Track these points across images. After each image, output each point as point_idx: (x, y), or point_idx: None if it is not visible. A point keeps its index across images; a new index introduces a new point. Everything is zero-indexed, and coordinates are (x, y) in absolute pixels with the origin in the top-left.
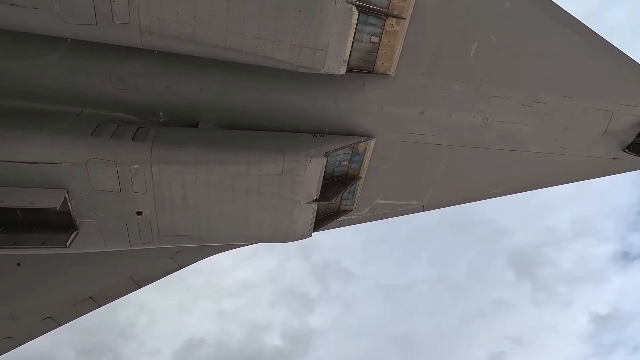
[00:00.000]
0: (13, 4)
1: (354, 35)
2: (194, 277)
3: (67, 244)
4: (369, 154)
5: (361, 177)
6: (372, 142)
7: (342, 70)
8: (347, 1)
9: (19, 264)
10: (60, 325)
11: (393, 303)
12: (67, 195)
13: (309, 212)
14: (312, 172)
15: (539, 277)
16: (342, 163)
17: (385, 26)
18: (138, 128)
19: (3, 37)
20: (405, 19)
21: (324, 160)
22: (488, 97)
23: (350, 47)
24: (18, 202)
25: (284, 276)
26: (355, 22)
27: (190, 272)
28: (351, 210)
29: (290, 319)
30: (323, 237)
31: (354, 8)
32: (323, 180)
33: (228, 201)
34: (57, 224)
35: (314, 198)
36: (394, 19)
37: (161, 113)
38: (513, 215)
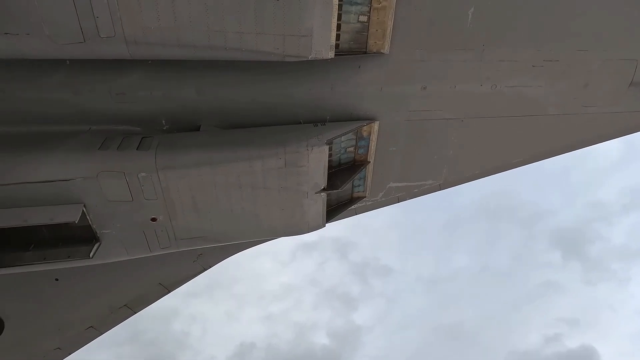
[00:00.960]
0: (7, 33)
1: (340, 17)
2: (238, 284)
3: (91, 255)
4: (374, 137)
5: (370, 162)
6: (375, 125)
7: (331, 54)
8: None
9: (57, 279)
10: (101, 333)
11: (436, 295)
12: (84, 209)
13: (319, 202)
14: (315, 161)
15: (588, 255)
16: (348, 149)
17: (372, 3)
18: (142, 138)
19: (6, 66)
20: None
21: (326, 148)
22: (493, 63)
23: (336, 29)
24: (40, 219)
25: (324, 277)
26: (337, 3)
27: (234, 280)
28: (365, 197)
29: (335, 318)
30: (359, 236)
31: None
32: (331, 169)
33: (236, 199)
34: (81, 238)
35: (322, 187)
36: None
37: (163, 121)
38: (553, 194)
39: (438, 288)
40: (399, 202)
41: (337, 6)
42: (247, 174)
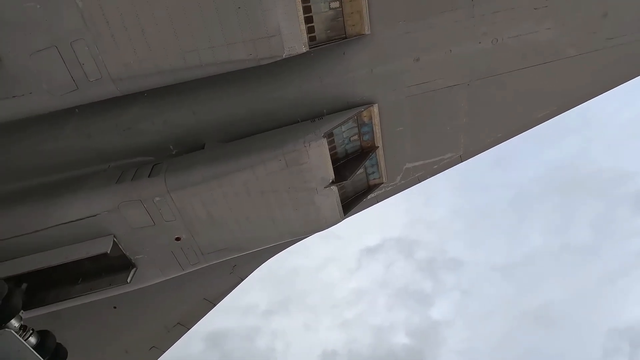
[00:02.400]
0: (14, 96)
1: (310, 9)
2: (310, 296)
3: (128, 280)
4: (376, 120)
5: (378, 147)
6: (374, 108)
7: (305, 47)
8: None
9: (115, 307)
10: (163, 352)
11: (515, 281)
12: (115, 239)
13: (332, 196)
14: (316, 156)
15: None
16: (352, 138)
17: None
18: (154, 165)
19: (23, 125)
20: None
21: (324, 140)
22: (487, 16)
23: (309, 22)
24: (78, 255)
25: (394, 278)
26: None
27: (305, 292)
28: (382, 183)
29: (412, 317)
30: (421, 232)
31: None
32: (339, 161)
33: (249, 207)
34: (120, 266)
35: (330, 181)
36: None
37: (171, 146)
38: (631, 155)
39: (515, 274)
40: (419, 182)
41: (300, 1)
42: (253, 181)
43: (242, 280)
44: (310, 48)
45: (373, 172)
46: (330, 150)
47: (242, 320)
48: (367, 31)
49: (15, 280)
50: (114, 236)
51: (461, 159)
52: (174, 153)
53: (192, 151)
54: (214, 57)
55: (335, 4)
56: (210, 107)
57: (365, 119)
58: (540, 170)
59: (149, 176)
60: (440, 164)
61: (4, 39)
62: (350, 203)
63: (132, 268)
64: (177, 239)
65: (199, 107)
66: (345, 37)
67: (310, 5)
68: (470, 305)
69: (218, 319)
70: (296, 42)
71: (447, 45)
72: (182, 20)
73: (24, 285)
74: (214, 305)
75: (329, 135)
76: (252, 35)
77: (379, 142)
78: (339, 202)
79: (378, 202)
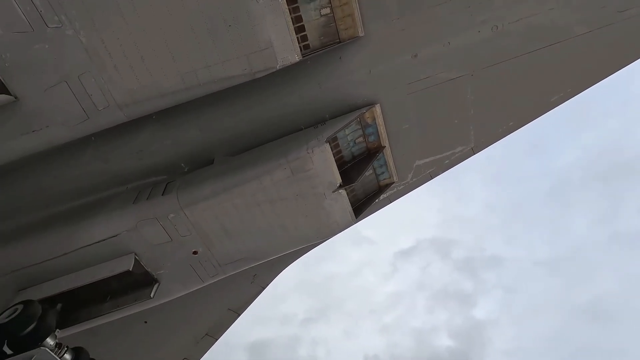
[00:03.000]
0: (34, 130)
1: (301, 18)
2: (348, 302)
3: (152, 295)
4: (380, 120)
5: (385, 146)
6: (377, 108)
7: (297, 57)
8: None
9: (146, 322)
10: None
11: (561, 275)
12: (136, 257)
13: (341, 200)
14: (320, 161)
15: None
16: (357, 140)
17: None
18: (167, 183)
19: (45, 157)
20: None
21: (326, 146)
22: (485, 3)
23: (301, 30)
24: (103, 274)
25: (431, 280)
26: (286, 8)
27: (342, 299)
28: (393, 182)
29: (453, 318)
30: (457, 231)
31: None
32: (347, 164)
33: (260, 217)
34: (144, 283)
35: (338, 185)
36: None
37: (182, 164)
38: None
39: (562, 268)
40: (432, 178)
41: (287, 11)
42: (261, 191)
43: (264, 289)
44: (304, 56)
45: (382, 173)
46: (336, 154)
47: (282, 329)
48: (360, 33)
49: (50, 302)
50: (135, 254)
51: (473, 152)
52: (186, 170)
53: (203, 167)
54: (211, 75)
55: (326, 10)
56: (216, 123)
57: (369, 120)
58: (580, 156)
59: (162, 194)
60: (451, 159)
61: (20, 80)
62: (362, 205)
63: (155, 283)
64: (195, 252)
65: (204, 124)
66: (340, 42)
67: (300, 15)
68: (515, 302)
69: (258, 329)
70: (289, 53)
71: (444, 38)
72: (177, 44)
73: (59, 306)
74: (239, 315)
75: (333, 140)
76: (245, 50)
77: (385, 142)
78: (349, 205)
79: (391, 202)
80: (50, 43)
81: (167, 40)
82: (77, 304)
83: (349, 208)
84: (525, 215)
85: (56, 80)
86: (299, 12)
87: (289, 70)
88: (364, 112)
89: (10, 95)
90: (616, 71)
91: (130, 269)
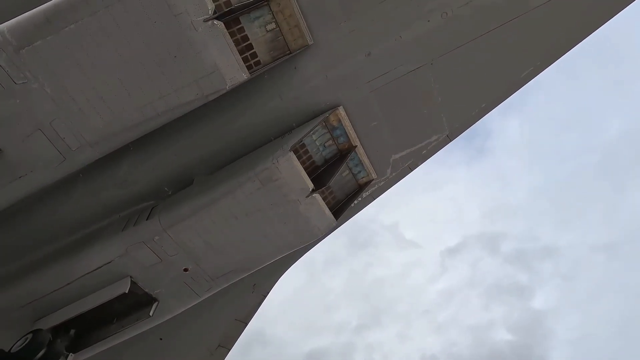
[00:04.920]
0: (20, 177)
1: (247, 37)
2: (399, 304)
3: (150, 314)
4: (346, 122)
5: (356, 146)
6: (340, 110)
7: (246, 75)
8: (204, 21)
9: (161, 339)
10: None
11: (622, 259)
12: (132, 280)
13: (315, 204)
14: (287, 170)
15: None
16: (327, 144)
17: (272, 9)
18: (152, 208)
19: (38, 200)
20: None
21: (291, 154)
22: None
23: (240, 52)
24: (104, 298)
25: (483, 276)
26: (225, 31)
27: (392, 302)
28: (372, 179)
29: (511, 312)
30: (504, 223)
31: (215, 22)
32: (320, 168)
33: (240, 229)
34: (146, 303)
35: (310, 189)
36: None
37: (166, 188)
38: None
39: (622, 251)
40: (411, 170)
41: (227, 34)
42: (236, 205)
43: (265, 296)
44: (253, 73)
45: (360, 171)
46: (306, 160)
47: (336, 338)
48: (310, 41)
49: (64, 328)
50: (131, 277)
51: (449, 138)
52: (170, 193)
53: (184, 188)
54: (167, 104)
55: (272, 26)
56: (190, 146)
57: (335, 123)
58: (627, 125)
59: (147, 219)
60: (428, 148)
61: (2, 133)
62: (344, 206)
63: (155, 302)
64: (185, 270)
65: (179, 148)
66: (290, 53)
67: (246, 34)
68: (575, 290)
69: (313, 339)
70: (236, 73)
71: (395, 32)
72: (130, 80)
73: (72, 331)
74: (246, 324)
75: (302, 147)
76: (193, 77)
77: (356, 142)
78: (326, 207)
79: (374, 199)
80: (21, 97)
81: (121, 78)
82: (89, 328)
83: (327, 211)
84: (575, 196)
85: (32, 129)
86: (245, 31)
87: (249, 87)
88: (328, 116)
89: None
90: (587, 36)
91: (127, 292)
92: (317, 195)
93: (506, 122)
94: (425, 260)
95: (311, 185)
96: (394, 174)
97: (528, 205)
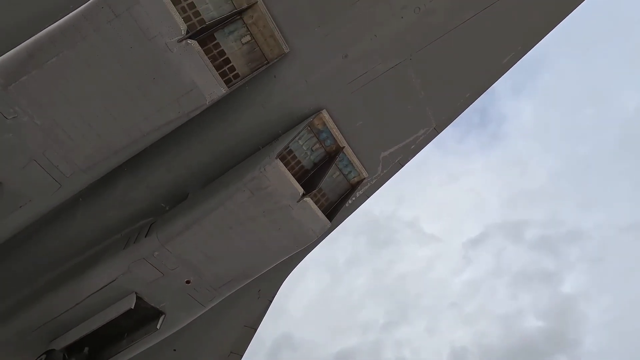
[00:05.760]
0: (21, 206)
1: (224, 52)
2: (424, 298)
3: (158, 327)
4: (330, 124)
5: (344, 147)
6: (324, 114)
7: (224, 89)
8: (178, 41)
9: (175, 350)
10: None
11: None
12: (138, 295)
13: (308, 208)
14: (275, 177)
15: None
16: (314, 148)
17: (245, 22)
18: (150, 225)
19: (44, 225)
20: (257, 1)
21: (277, 161)
22: None
23: (214, 69)
24: (112, 315)
25: (508, 264)
26: (199, 49)
27: (418, 296)
28: (364, 178)
29: (540, 299)
30: (525, 210)
31: (189, 42)
32: (309, 172)
33: (236, 238)
34: (153, 317)
35: (301, 194)
36: (248, 10)
37: (162, 204)
38: None
39: None
40: (402, 166)
41: (201, 51)
42: (228, 215)
43: (271, 301)
44: (232, 86)
45: (350, 172)
46: (295, 165)
47: (364, 337)
48: (286, 50)
49: (77, 347)
50: (136, 293)
51: (437, 131)
52: (167, 209)
53: (180, 202)
54: (151, 125)
55: (247, 38)
56: (179, 162)
57: (320, 126)
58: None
59: (146, 236)
60: (416, 143)
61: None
62: (337, 207)
63: (161, 315)
64: (188, 282)
65: (170, 165)
66: (268, 62)
67: (222, 49)
68: (606, 272)
69: (340, 340)
70: (214, 88)
71: (369, 32)
72: (113, 105)
73: (86, 349)
74: (255, 329)
75: (289, 152)
76: (173, 96)
77: (343, 143)
78: (318, 210)
79: (368, 197)
80: (13, 131)
81: (105, 104)
82: (101, 345)
83: (320, 213)
84: (598, 175)
85: (27, 160)
86: (221, 46)
87: (232, 100)
88: (312, 120)
89: None
90: (566, 16)
91: (133, 307)
92: (308, 199)
93: (519, 104)
94: (448, 253)
95: (301, 190)
96: (385, 171)
97: (549, 189)
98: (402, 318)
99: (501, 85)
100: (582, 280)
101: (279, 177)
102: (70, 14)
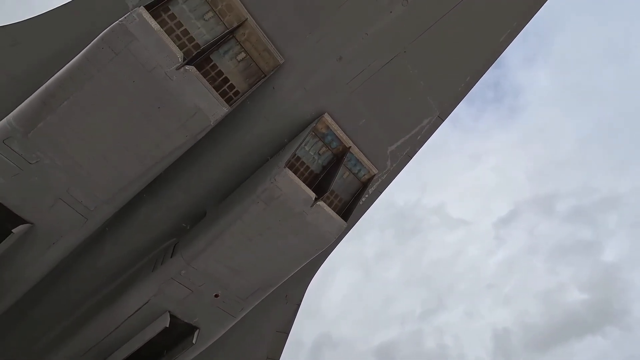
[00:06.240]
0: (54, 243)
1: (221, 73)
2: (459, 283)
3: (193, 342)
4: (334, 126)
5: (350, 147)
6: (326, 117)
7: (226, 108)
8: (177, 69)
9: None
10: None
11: None
12: (171, 314)
13: (321, 211)
14: (286, 186)
15: None
16: (321, 151)
17: (238, 38)
18: (174, 245)
19: (76, 258)
20: (246, 18)
21: (286, 170)
22: None
23: (214, 90)
24: (149, 335)
25: (542, 240)
26: (198, 73)
27: (453, 281)
28: (375, 175)
29: (580, 271)
30: (554, 183)
31: (187, 68)
32: (320, 175)
33: (256, 249)
34: (189, 332)
35: (313, 199)
36: (239, 28)
37: (183, 224)
38: None
39: None
40: (411, 157)
41: (200, 76)
42: (247, 227)
43: (299, 305)
44: (233, 104)
45: (359, 170)
46: (304, 171)
47: (403, 328)
48: (281, 61)
49: None
50: (169, 311)
51: (441, 118)
52: (188, 228)
53: (199, 220)
54: (162, 151)
55: (242, 55)
56: (194, 182)
57: (323, 130)
58: None
59: (171, 256)
60: (422, 133)
61: (29, 208)
62: (351, 206)
63: (196, 330)
64: (216, 295)
65: (185, 185)
66: (265, 76)
67: (220, 69)
68: None
69: (380, 334)
70: (217, 109)
71: (360, 31)
72: (124, 137)
73: None
74: (287, 334)
75: (297, 160)
76: (179, 121)
77: (348, 143)
78: (333, 212)
79: (381, 193)
80: (38, 174)
81: (116, 137)
82: None
83: (334, 215)
84: (628, 136)
85: (54, 200)
86: (218, 67)
87: (236, 116)
88: (315, 125)
89: (27, 222)
90: None
91: (167, 325)
92: (321, 203)
93: (534, 73)
94: (478, 235)
95: (313, 195)
96: (394, 165)
97: (577, 157)
98: (439, 305)
99: (512, 56)
100: (623, 246)
101: (289, 185)
102: (75, 58)
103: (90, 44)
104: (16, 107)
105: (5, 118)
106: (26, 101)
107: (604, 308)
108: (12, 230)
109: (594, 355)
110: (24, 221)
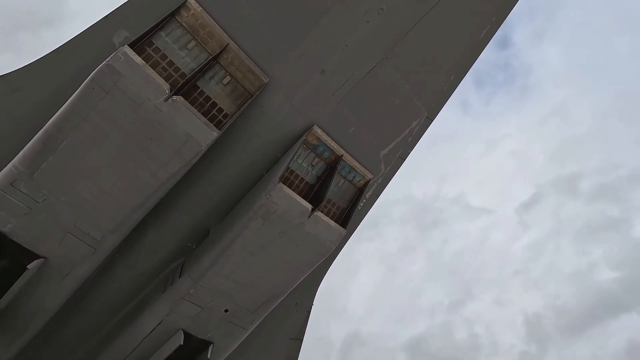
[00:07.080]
0: (67, 274)
1: (209, 99)
2: (485, 270)
3: (208, 356)
4: (324, 137)
5: (342, 155)
6: (315, 129)
7: (216, 132)
8: (165, 100)
9: None
10: None
11: None
12: (185, 332)
13: (320, 221)
14: (282, 200)
15: None
16: (314, 162)
17: (222, 64)
18: (182, 265)
19: (89, 286)
20: (228, 43)
21: (280, 185)
22: None
23: (203, 116)
24: (165, 354)
25: (568, 221)
26: (186, 102)
27: (479, 269)
28: (370, 179)
29: (610, 249)
30: (575, 159)
31: (174, 98)
32: (315, 186)
33: (260, 262)
34: (203, 348)
35: (310, 210)
36: (222, 53)
37: (189, 244)
38: None
39: None
40: (404, 159)
41: (188, 104)
42: (248, 243)
43: (309, 312)
44: (222, 127)
45: (354, 177)
46: (299, 183)
47: (431, 320)
48: (265, 80)
49: None
50: (183, 329)
51: (430, 119)
52: (193, 247)
53: (204, 239)
54: (159, 179)
55: (227, 79)
56: (195, 203)
57: (314, 142)
58: None
59: (179, 277)
60: (412, 135)
61: (41, 244)
62: (349, 213)
63: (210, 345)
64: (226, 310)
65: (187, 207)
66: (252, 96)
67: (207, 95)
68: None
69: (408, 328)
70: (207, 133)
71: (340, 44)
72: (123, 169)
73: None
74: (301, 340)
75: (290, 173)
76: (173, 149)
77: (340, 152)
78: (330, 221)
79: (377, 196)
80: (46, 212)
81: (115, 170)
82: None
83: (332, 223)
84: None
85: (62, 234)
86: (205, 93)
87: (228, 138)
88: (305, 138)
89: (40, 257)
90: None
91: (182, 343)
92: (318, 213)
93: (543, 50)
94: (502, 222)
95: (309, 206)
96: (388, 168)
97: (597, 132)
98: (467, 295)
99: (518, 35)
100: None
101: (285, 199)
102: (69, 101)
103: (81, 86)
104: (20, 150)
105: (11, 162)
106: (28, 144)
107: (637, 284)
108: (28, 266)
109: (630, 334)
110: (37, 256)
